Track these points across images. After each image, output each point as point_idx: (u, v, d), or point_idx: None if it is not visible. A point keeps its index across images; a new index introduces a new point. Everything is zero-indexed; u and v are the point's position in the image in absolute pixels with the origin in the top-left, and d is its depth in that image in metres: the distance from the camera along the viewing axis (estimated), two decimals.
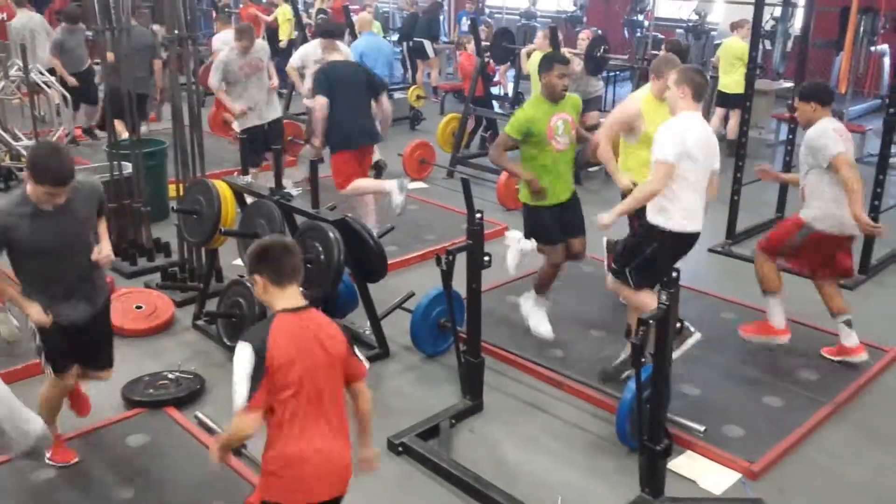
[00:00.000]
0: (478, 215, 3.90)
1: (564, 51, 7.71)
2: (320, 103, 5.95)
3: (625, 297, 4.45)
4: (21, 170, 6.90)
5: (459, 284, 4.10)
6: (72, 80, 8.25)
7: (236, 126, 7.81)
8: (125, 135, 6.63)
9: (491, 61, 9.73)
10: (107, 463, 3.68)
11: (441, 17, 13.11)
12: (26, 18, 8.81)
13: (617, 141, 4.87)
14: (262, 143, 6.69)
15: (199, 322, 5.01)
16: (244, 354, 2.41)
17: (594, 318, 5.16)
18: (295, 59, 7.69)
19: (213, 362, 4.61)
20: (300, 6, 12.59)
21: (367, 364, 2.73)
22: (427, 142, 8.52)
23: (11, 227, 3.13)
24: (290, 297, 2.53)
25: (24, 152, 6.85)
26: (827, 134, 4.39)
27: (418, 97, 10.79)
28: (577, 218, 4.82)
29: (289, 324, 2.47)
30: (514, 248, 4.79)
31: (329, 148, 6.15)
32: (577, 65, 7.86)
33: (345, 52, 7.21)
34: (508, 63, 10.87)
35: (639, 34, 14.22)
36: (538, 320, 4.83)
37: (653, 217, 4.01)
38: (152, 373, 4.34)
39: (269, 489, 2.52)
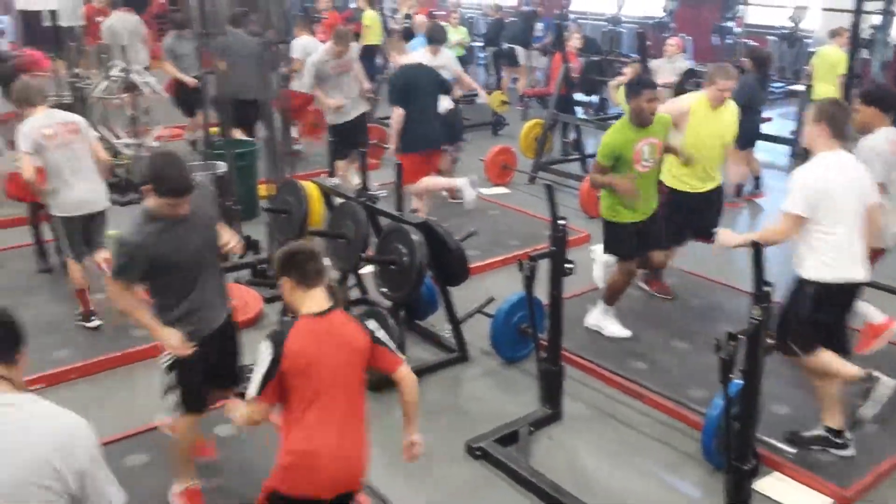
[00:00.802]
0: (561, 222, 3.88)
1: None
2: (397, 115, 6.20)
3: (806, 374, 3.87)
4: (120, 166, 7.22)
5: (540, 291, 4.08)
6: (192, 81, 8.24)
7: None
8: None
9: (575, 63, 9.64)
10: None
11: (536, 24, 12.99)
12: (121, 19, 9.12)
13: None
14: (348, 138, 6.93)
15: (286, 318, 5.12)
16: (263, 351, 2.57)
17: (679, 330, 5.05)
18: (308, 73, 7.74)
19: None
20: (387, 11, 12.77)
21: (401, 355, 2.80)
22: (510, 147, 8.51)
23: (147, 244, 3.03)
24: (314, 299, 2.66)
25: (123, 150, 7.17)
26: (876, 149, 4.18)
27: (502, 102, 10.79)
28: (658, 232, 4.87)
29: (308, 327, 2.62)
30: (600, 261, 4.88)
31: (397, 148, 6.42)
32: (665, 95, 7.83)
33: (446, 55, 7.32)
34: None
35: (729, 41, 13.86)
36: (609, 324, 4.91)
37: (800, 270, 3.67)
38: (240, 365, 4.47)
39: (279, 479, 2.65)
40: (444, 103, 6.83)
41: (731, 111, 5.04)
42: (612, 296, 4.88)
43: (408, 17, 12.73)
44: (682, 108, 4.90)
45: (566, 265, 3.89)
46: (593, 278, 4.97)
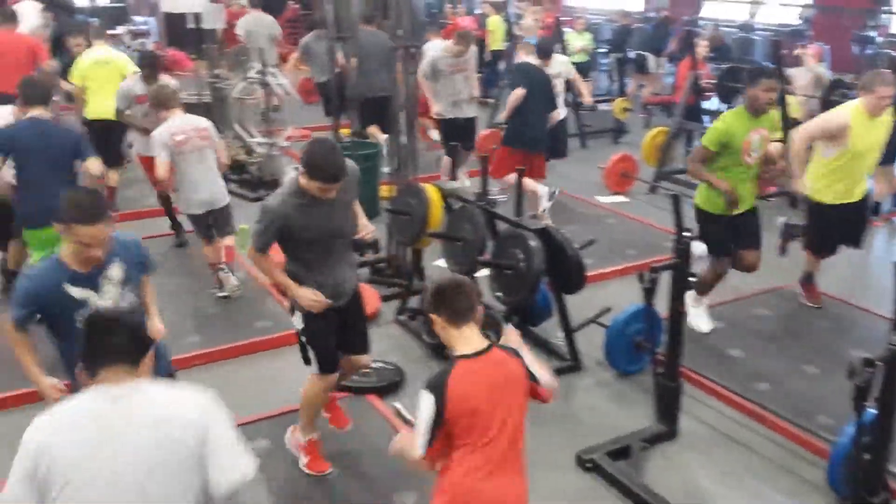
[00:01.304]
0: (686, 234, 3.78)
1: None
2: (517, 94, 6.54)
3: None
4: (252, 164, 7.58)
5: (658, 303, 4.00)
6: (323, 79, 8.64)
7: (433, 135, 8.16)
8: (381, 137, 7.14)
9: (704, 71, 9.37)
10: None
11: (671, 31, 12.70)
12: (256, 19, 9.53)
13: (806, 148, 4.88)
14: (456, 136, 7.03)
15: (402, 317, 5.24)
16: (426, 404, 2.43)
17: (808, 351, 4.82)
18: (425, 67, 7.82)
19: (413, 357, 4.81)
20: (511, 17, 12.81)
21: (549, 386, 2.65)
22: (630, 155, 8.35)
23: (286, 214, 3.20)
24: (468, 338, 2.52)
25: (256, 148, 7.52)
26: None
27: (624, 109, 10.60)
28: (754, 230, 4.76)
29: (469, 370, 2.46)
30: (695, 254, 4.63)
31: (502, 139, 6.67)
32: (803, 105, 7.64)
33: (558, 63, 7.36)
34: None
35: (870, 51, 13.07)
36: (695, 314, 4.87)
37: None
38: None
39: None
40: (559, 114, 7.05)
41: (888, 121, 4.82)
42: (703, 287, 4.87)
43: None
44: (841, 121, 4.68)
45: (689, 278, 3.79)
46: None
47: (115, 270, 2.94)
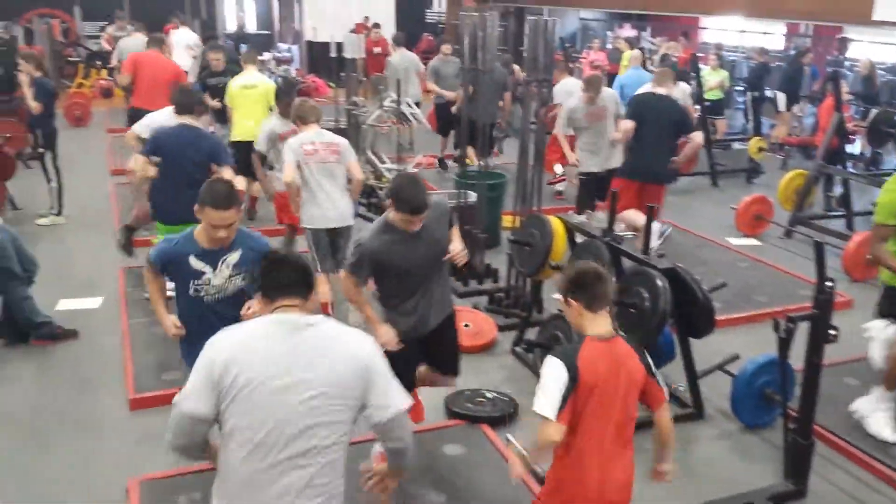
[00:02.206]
0: (829, 284, 3.59)
1: None
2: (625, 127, 6.44)
3: None
4: (381, 189, 7.80)
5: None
6: (450, 95, 9.03)
7: (558, 169, 8.12)
8: (475, 161, 7.24)
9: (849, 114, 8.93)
10: (423, 467, 3.94)
11: (806, 69, 12.19)
12: (402, 56, 9.99)
13: None
14: (596, 189, 6.85)
15: (518, 349, 5.22)
16: (556, 370, 2.52)
17: None
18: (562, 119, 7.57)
19: (527, 389, 4.75)
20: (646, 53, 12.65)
21: (666, 391, 2.75)
22: (766, 197, 8.02)
23: (376, 249, 3.46)
24: (600, 323, 2.64)
25: (386, 174, 7.74)
26: None
27: (760, 149, 10.22)
28: None
29: (597, 350, 2.57)
30: (880, 339, 4.22)
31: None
32: None
33: (682, 88, 7.20)
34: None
35: None
36: (878, 419, 4.29)
37: None
38: (473, 388, 4.62)
39: (548, 501, 2.66)
40: (695, 141, 6.83)
41: None
42: (893, 379, 4.23)
43: (664, 57, 12.52)
44: None
45: (830, 331, 3.58)
46: (869, 359, 4.33)
47: (234, 257, 3.32)
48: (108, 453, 4.11)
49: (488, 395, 4.56)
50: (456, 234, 3.79)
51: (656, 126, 6.48)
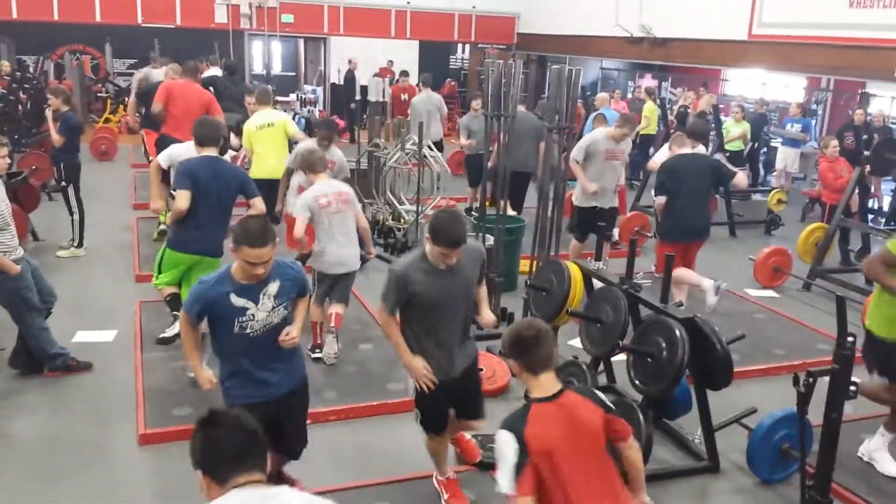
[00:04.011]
0: (849, 339, 3.54)
1: None
2: (659, 203, 6.38)
3: None
4: (399, 230, 7.84)
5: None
6: (469, 143, 9.10)
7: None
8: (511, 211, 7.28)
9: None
10: None
11: (813, 122, 12.29)
12: (426, 97, 10.11)
13: None
14: (591, 224, 6.93)
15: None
16: (506, 442, 2.55)
17: None
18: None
19: None
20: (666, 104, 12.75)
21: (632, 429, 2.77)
22: (785, 249, 7.98)
23: (409, 278, 3.48)
24: (544, 384, 2.64)
25: (405, 215, 7.78)
26: None
27: (779, 201, 10.20)
28: None
29: (546, 412, 2.58)
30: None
31: (658, 234, 6.50)
32: None
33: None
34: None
35: None
36: (886, 459, 4.35)
37: None
38: (484, 434, 4.55)
39: None
40: (740, 183, 6.87)
41: None
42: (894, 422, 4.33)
43: (684, 108, 12.61)
44: None
45: (850, 387, 3.52)
46: None
47: (273, 288, 3.35)
48: (118, 488, 4.08)
49: None
50: (484, 296, 3.87)
51: (694, 184, 6.37)
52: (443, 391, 3.65)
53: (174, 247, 5.18)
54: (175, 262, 5.19)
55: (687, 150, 6.66)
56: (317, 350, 5.59)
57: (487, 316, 3.83)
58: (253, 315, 3.31)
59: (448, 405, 3.78)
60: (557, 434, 2.55)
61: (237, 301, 3.29)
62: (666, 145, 7.53)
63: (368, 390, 5.16)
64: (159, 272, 5.30)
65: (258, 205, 5.07)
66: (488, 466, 4.26)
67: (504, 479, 2.54)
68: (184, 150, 5.71)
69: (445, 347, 3.63)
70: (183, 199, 4.93)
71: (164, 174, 5.77)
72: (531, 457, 2.50)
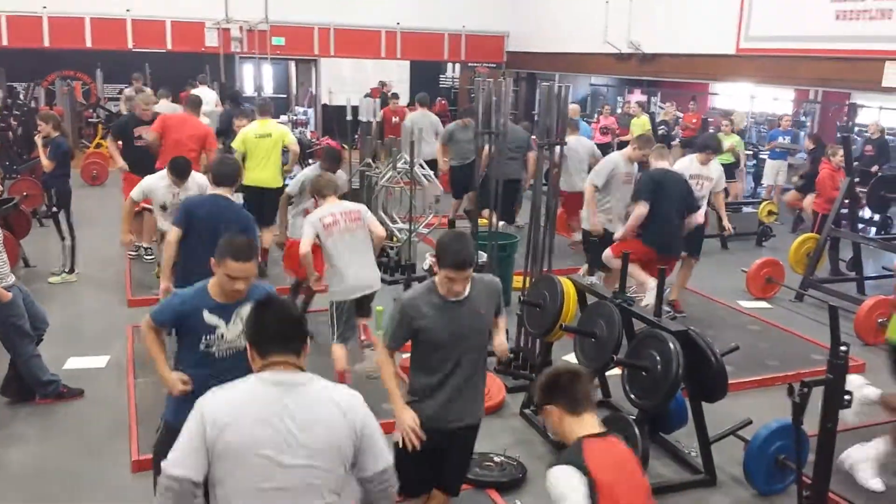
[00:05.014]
0: (843, 348, 3.54)
1: None
2: (638, 211, 6.29)
3: None
4: (392, 248, 7.84)
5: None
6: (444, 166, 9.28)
7: (577, 237, 8.15)
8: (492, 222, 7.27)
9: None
10: None
11: (800, 132, 12.39)
12: (419, 116, 10.15)
13: None
14: (598, 247, 6.91)
15: (527, 411, 5.15)
16: (570, 477, 2.28)
17: None
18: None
19: (536, 453, 4.69)
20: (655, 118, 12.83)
21: None
22: (777, 260, 8.00)
23: (418, 308, 3.23)
24: (588, 425, 2.44)
25: (398, 234, 7.78)
26: None
27: (770, 213, 10.25)
28: None
29: (601, 446, 2.37)
30: (856, 395, 4.19)
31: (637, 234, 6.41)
32: None
33: (715, 167, 7.15)
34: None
35: None
36: (864, 469, 4.28)
37: None
38: (480, 452, 4.53)
39: None
40: (695, 219, 6.68)
41: None
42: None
43: (664, 123, 12.69)
44: None
45: (845, 397, 3.52)
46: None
47: (247, 309, 3.07)
48: None
49: (496, 458, 4.48)
50: (502, 326, 3.59)
51: (671, 202, 6.39)
52: (428, 447, 3.24)
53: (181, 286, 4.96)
54: None
55: (666, 164, 6.67)
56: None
57: (500, 343, 3.54)
58: (222, 335, 3.26)
59: (429, 470, 3.37)
60: (617, 468, 2.36)
61: (209, 318, 3.24)
62: (682, 159, 7.51)
63: None
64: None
65: (266, 239, 4.91)
66: (483, 485, 4.25)
67: None
68: (155, 181, 5.71)
69: (446, 390, 3.29)
70: (172, 234, 4.84)
71: (153, 209, 5.70)
72: (598, 488, 2.26)
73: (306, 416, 2.20)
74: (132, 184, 6.72)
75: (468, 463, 3.65)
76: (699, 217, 6.82)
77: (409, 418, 3.23)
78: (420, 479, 3.36)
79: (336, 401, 2.28)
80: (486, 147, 6.29)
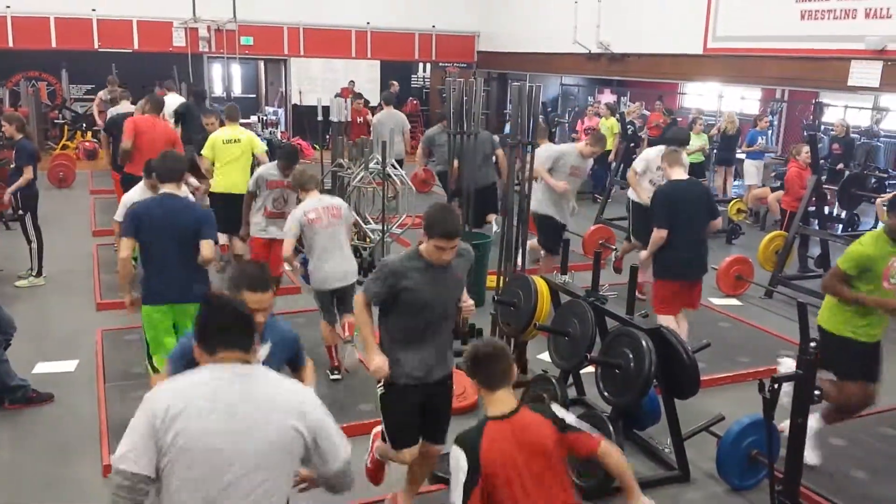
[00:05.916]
0: (812, 344, 3.60)
1: None
2: (658, 237, 5.59)
3: None
4: (365, 248, 7.81)
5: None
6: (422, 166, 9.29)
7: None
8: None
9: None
10: None
11: (769, 132, 12.57)
12: (390, 114, 10.12)
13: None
14: (559, 235, 6.97)
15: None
16: (459, 459, 2.59)
17: None
18: (638, 164, 7.44)
19: None
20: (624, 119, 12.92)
21: (597, 434, 2.80)
22: (746, 258, 8.11)
23: (401, 271, 3.40)
24: (500, 400, 2.69)
25: (370, 234, 7.76)
26: None
27: (739, 210, 10.39)
28: (880, 360, 4.38)
29: (498, 431, 2.61)
30: (781, 370, 4.24)
31: (653, 272, 5.83)
32: None
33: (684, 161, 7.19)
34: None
35: None
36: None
37: None
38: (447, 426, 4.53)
39: None
40: (715, 226, 5.98)
41: None
42: (832, 414, 4.38)
43: (631, 124, 12.78)
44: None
45: (815, 391, 3.58)
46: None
47: (263, 351, 3.02)
48: None
49: None
50: (464, 289, 3.78)
51: (687, 217, 5.65)
52: (413, 400, 3.54)
53: (147, 301, 4.60)
54: (154, 325, 4.59)
55: (681, 170, 5.93)
56: (335, 371, 5.56)
57: (467, 300, 3.69)
58: None
59: (418, 417, 3.62)
60: (509, 453, 2.58)
61: None
62: (649, 149, 7.53)
63: (340, 411, 5.08)
64: (150, 357, 4.69)
65: (205, 250, 4.49)
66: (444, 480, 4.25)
67: (455, 495, 2.58)
68: (137, 195, 5.59)
69: (424, 350, 3.51)
70: (124, 248, 4.55)
71: None
72: (482, 475, 2.54)
73: (256, 407, 2.18)
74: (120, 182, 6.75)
75: (450, 410, 3.81)
76: (719, 223, 6.14)
77: (380, 361, 3.46)
78: (410, 428, 3.61)
79: (286, 391, 2.28)
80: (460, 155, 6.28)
